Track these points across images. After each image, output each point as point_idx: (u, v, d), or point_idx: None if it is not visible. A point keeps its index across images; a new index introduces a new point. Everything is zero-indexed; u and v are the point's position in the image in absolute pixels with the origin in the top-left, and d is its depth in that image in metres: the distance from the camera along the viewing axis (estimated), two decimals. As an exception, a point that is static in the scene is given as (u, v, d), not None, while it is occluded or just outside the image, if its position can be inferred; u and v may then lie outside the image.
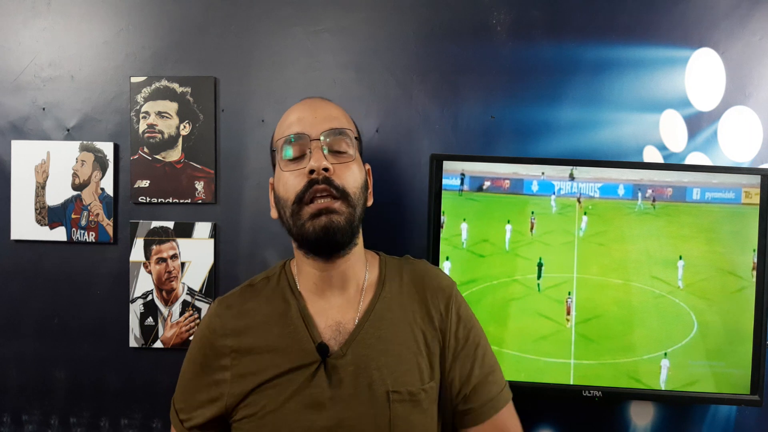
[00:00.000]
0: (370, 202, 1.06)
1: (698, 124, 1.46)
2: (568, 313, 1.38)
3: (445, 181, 1.37)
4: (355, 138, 1.01)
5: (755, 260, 1.36)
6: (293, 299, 1.01)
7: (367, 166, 1.07)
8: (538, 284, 1.38)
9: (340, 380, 0.94)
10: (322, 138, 0.95)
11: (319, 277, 1.00)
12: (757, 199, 1.36)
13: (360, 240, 1.03)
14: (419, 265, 1.10)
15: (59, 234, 1.47)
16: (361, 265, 1.04)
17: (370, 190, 1.07)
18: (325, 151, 0.95)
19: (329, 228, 0.93)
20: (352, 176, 0.97)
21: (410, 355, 0.98)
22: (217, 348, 0.99)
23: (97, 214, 1.47)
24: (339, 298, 1.01)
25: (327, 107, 1.01)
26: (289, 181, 0.96)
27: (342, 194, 0.94)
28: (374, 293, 1.02)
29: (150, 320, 1.47)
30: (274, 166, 1.03)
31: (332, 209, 0.93)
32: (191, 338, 1.45)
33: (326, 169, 0.93)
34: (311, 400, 0.93)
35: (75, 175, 1.47)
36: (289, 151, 0.96)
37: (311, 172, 0.93)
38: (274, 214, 1.03)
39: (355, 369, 0.95)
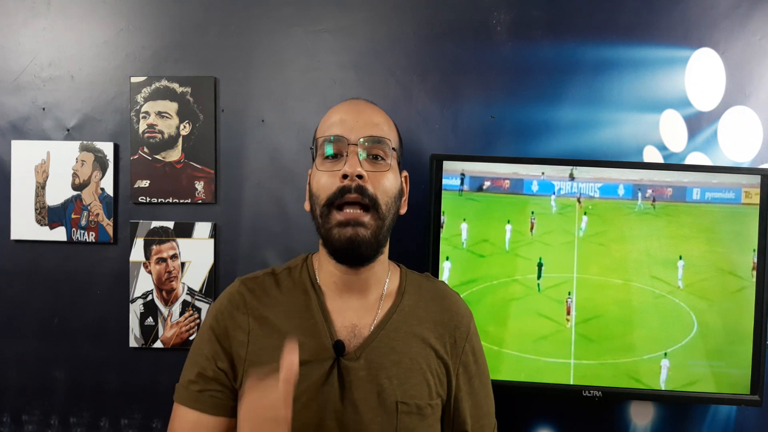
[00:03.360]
0: (403, 210, 1.04)
1: (698, 124, 1.46)
2: (568, 313, 1.38)
3: (445, 181, 1.37)
4: (393, 149, 0.99)
5: (755, 260, 1.36)
6: (313, 293, 1.00)
7: (405, 174, 1.06)
8: (538, 284, 1.38)
9: (351, 383, 0.94)
10: (360, 143, 0.94)
11: (340, 278, 1.00)
12: (757, 199, 1.36)
13: (386, 249, 1.02)
14: (440, 285, 1.10)
15: (59, 234, 1.47)
16: (383, 273, 1.04)
17: (405, 197, 1.05)
18: (362, 157, 0.94)
19: (354, 240, 0.93)
20: (386, 185, 0.96)
21: (419, 370, 0.98)
22: (238, 321, 0.97)
23: (97, 214, 1.47)
24: (357, 301, 1.00)
25: (371, 112, 1.00)
26: (322, 180, 0.95)
27: (373, 204, 0.94)
28: (393, 303, 1.02)
29: (150, 320, 1.46)
30: (314, 159, 1.02)
31: (360, 221, 0.93)
32: (192, 337, 1.45)
33: (360, 176, 0.92)
34: (323, 399, 0.93)
35: (75, 175, 1.47)
36: (327, 151, 0.96)
37: (345, 176, 0.92)
38: (307, 206, 1.02)
39: (367, 375, 0.95)
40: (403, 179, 1.04)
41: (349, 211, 0.93)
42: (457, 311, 1.06)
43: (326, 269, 1.01)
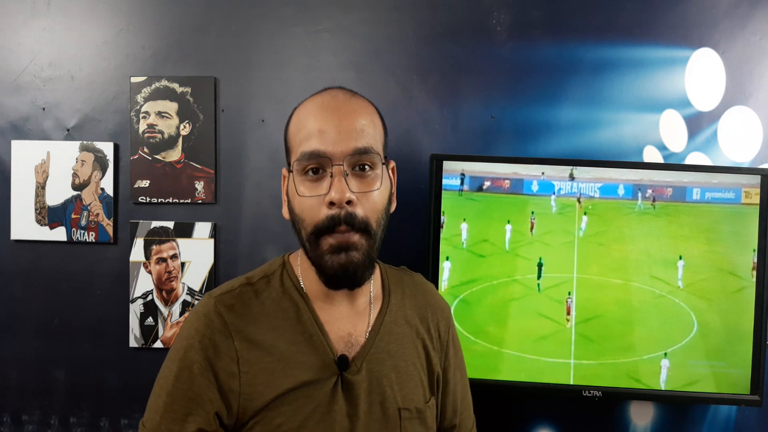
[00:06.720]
0: (393, 207, 0.95)
1: (698, 124, 1.46)
2: (568, 313, 1.38)
3: (445, 181, 1.37)
4: (380, 157, 0.89)
5: (755, 260, 1.36)
6: (302, 302, 0.92)
7: (392, 164, 0.96)
8: (538, 284, 1.38)
9: (356, 397, 0.88)
10: (345, 164, 0.84)
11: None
12: (757, 199, 1.36)
13: None
14: (417, 278, 1.07)
15: (59, 234, 1.47)
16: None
17: (394, 190, 0.96)
18: (348, 173, 0.85)
19: (348, 266, 0.85)
20: (376, 201, 0.87)
21: (415, 371, 0.95)
22: (223, 349, 0.86)
23: (97, 214, 1.47)
24: (348, 308, 0.94)
25: (352, 115, 0.87)
26: (306, 204, 0.86)
27: (364, 228, 0.85)
28: (381, 305, 0.97)
29: (150, 320, 1.47)
30: (287, 156, 0.92)
31: (351, 244, 0.85)
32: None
33: (349, 201, 0.84)
34: (330, 419, 0.86)
35: (75, 175, 1.47)
36: (307, 170, 0.86)
37: (332, 202, 0.84)
38: (286, 213, 0.93)
39: (368, 386, 0.90)
40: (390, 171, 0.94)
41: (340, 236, 0.85)
42: (437, 305, 1.04)
43: (312, 277, 0.91)
